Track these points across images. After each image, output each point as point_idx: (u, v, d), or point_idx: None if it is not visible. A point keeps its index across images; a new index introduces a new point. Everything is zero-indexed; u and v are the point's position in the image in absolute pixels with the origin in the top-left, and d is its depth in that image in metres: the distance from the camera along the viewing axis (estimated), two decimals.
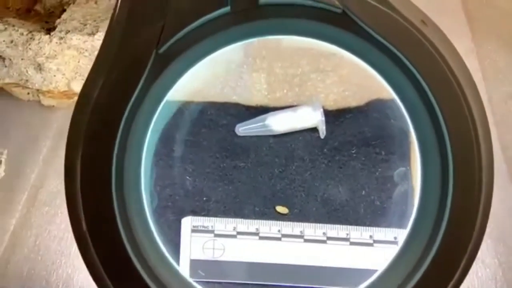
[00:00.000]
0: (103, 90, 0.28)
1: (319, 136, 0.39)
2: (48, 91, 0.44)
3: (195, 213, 0.38)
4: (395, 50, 0.28)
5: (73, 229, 0.28)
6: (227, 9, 0.29)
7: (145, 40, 0.28)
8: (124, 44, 0.28)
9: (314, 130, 0.40)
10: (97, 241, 0.28)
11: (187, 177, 0.38)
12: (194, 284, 0.32)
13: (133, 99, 0.28)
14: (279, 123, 0.39)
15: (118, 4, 0.28)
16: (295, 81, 0.41)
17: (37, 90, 0.44)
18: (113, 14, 0.28)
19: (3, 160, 0.39)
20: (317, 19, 0.29)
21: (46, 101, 0.45)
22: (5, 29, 0.41)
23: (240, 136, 0.40)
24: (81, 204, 0.28)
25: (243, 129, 0.40)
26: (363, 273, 0.33)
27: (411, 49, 0.28)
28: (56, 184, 0.42)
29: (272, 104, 0.40)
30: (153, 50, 0.28)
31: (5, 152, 0.39)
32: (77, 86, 0.43)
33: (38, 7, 0.46)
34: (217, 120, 0.40)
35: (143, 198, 0.31)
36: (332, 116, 0.40)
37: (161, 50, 0.28)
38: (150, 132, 0.31)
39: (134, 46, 0.28)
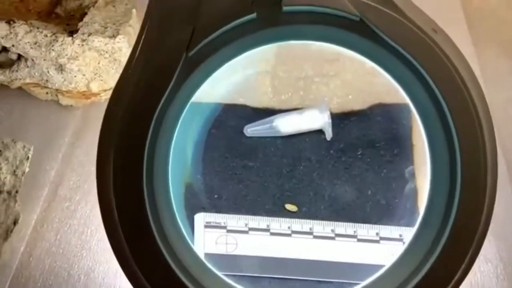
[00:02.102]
0: (136, 89, 0.29)
1: (325, 138, 0.40)
2: (67, 91, 0.45)
3: (206, 209, 0.38)
4: (408, 56, 0.30)
5: (103, 216, 0.30)
6: (253, 15, 0.31)
7: (177, 42, 0.29)
8: (157, 46, 0.30)
9: (320, 132, 0.41)
10: (127, 228, 0.29)
11: (198, 176, 0.39)
12: (220, 275, 0.33)
13: (163, 99, 0.29)
14: (286, 124, 0.40)
15: (152, 8, 0.30)
16: (300, 85, 0.42)
17: (56, 90, 0.45)
18: (145, 17, 0.30)
19: (30, 156, 0.39)
20: (336, 26, 0.31)
21: (64, 101, 0.46)
22: (30, 30, 0.42)
23: (248, 137, 0.40)
24: (113, 194, 0.29)
25: (251, 130, 0.41)
26: (370, 268, 0.34)
27: (423, 55, 0.30)
28: (76, 181, 0.43)
29: (278, 106, 0.41)
30: (183, 52, 0.29)
31: (32, 148, 0.40)
32: (96, 87, 0.44)
33: (59, 10, 0.46)
34: (225, 121, 0.41)
35: (170, 190, 0.32)
36: (337, 119, 0.41)
37: (191, 53, 0.30)
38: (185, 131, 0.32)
39: (166, 48, 0.30)
